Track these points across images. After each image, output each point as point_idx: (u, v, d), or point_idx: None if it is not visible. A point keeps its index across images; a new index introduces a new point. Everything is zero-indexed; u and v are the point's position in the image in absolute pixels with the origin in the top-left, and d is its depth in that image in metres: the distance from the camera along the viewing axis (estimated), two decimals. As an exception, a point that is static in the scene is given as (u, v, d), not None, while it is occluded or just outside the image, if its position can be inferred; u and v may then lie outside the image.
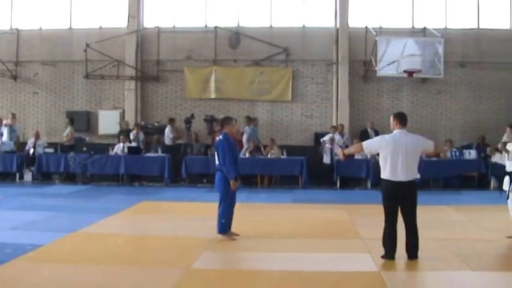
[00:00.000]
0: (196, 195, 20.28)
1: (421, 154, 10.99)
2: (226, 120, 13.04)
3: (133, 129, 24.66)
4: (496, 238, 12.67)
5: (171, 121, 25.04)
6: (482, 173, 23.15)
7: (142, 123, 26.09)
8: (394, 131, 10.52)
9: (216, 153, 12.49)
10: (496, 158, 12.79)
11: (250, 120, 24.87)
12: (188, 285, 8.80)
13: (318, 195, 20.86)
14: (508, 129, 12.57)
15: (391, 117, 10.73)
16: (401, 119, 10.60)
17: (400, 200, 10.31)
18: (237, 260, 10.35)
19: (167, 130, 24.77)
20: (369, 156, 22.93)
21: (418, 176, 10.55)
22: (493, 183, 22.96)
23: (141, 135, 24.65)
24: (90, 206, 17.16)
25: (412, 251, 10.30)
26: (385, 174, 10.31)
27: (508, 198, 12.35)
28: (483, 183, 23.21)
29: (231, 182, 11.99)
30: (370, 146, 10.63)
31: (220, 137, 12.53)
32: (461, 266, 10.10)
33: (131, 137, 24.25)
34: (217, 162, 12.35)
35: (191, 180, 23.38)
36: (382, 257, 10.32)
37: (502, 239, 12.49)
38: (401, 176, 10.16)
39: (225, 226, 12.10)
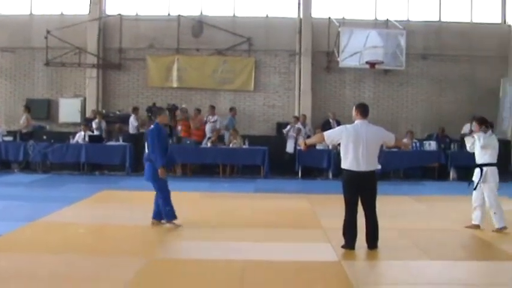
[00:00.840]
0: (157, 184, 20.22)
1: (381, 145, 11.07)
2: (159, 111, 13.36)
3: (96, 117, 24.50)
4: (456, 228, 12.86)
5: (135, 110, 24.82)
6: (442, 164, 23.41)
7: (104, 111, 25.95)
8: (356, 122, 10.60)
9: (146, 142, 12.54)
10: None
11: (213, 108, 24.86)
12: (149, 275, 8.77)
13: (279, 184, 20.93)
14: (474, 123, 12.70)
15: (353, 108, 10.80)
16: (363, 110, 10.68)
17: (360, 190, 10.41)
18: (198, 250, 10.33)
19: (132, 119, 24.55)
20: (330, 147, 23.07)
21: (379, 166, 10.65)
22: (452, 174, 23.29)
23: (103, 124, 24.49)
24: (50, 195, 17.04)
25: (372, 241, 10.42)
26: (345, 164, 10.38)
27: (475, 189, 12.51)
28: (443, 174, 23.48)
29: (159, 170, 12.05)
30: (331, 136, 10.66)
31: (152, 126, 12.56)
32: (421, 255, 10.24)
33: (94, 126, 24.10)
34: (146, 151, 12.38)
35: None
36: (343, 246, 10.41)
37: (461, 228, 12.68)
38: (361, 166, 10.25)
39: (171, 213, 12.25)
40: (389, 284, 8.94)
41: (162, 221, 12.41)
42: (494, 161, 12.53)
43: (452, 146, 24.00)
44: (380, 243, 10.42)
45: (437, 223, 13.57)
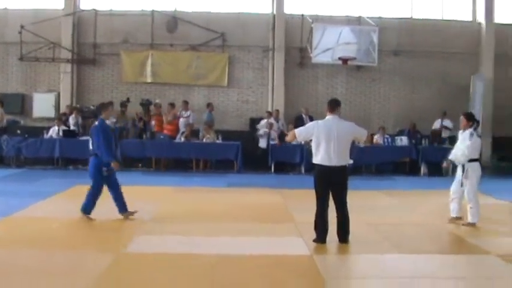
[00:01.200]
0: (131, 178, 20.06)
1: (353, 141, 11.09)
2: (104, 106, 13.29)
3: (72, 113, 24.35)
4: (426, 222, 13.01)
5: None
6: (413, 159, 23.55)
7: (78, 106, 25.82)
8: (327, 117, 10.64)
9: (90, 138, 12.60)
10: None
11: (187, 103, 24.80)
12: (121, 268, 8.75)
13: (252, 179, 20.92)
14: (462, 118, 12.83)
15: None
16: (332, 105, 10.74)
17: (331, 184, 10.43)
18: (170, 244, 10.30)
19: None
20: (303, 142, 23.11)
21: (351, 161, 10.63)
22: (423, 169, 23.45)
23: (79, 119, 24.33)
24: (24, 189, 16.93)
25: (343, 235, 10.47)
26: (317, 159, 10.40)
27: (462, 185, 12.59)
28: (414, 169, 23.62)
29: (112, 164, 12.33)
30: (302, 133, 10.64)
31: (96, 123, 12.63)
32: (391, 249, 10.30)
33: (71, 121, 23.95)
34: (90, 147, 12.43)
35: (126, 163, 23.23)
36: (314, 240, 10.44)
37: (431, 222, 12.81)
38: (332, 161, 10.28)
39: (89, 208, 12.40)
40: (359, 277, 8.98)
41: (88, 215, 12.50)
42: (477, 156, 12.61)
43: (423, 141, 24.14)
44: (351, 237, 10.46)
45: (408, 217, 13.65)
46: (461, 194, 12.60)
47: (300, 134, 10.64)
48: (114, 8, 26.84)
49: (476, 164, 12.57)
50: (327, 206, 10.48)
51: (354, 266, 9.71)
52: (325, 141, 10.26)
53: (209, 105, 25.39)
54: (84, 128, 24.57)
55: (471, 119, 12.95)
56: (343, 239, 10.46)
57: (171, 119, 24.00)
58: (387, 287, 8.35)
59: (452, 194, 12.78)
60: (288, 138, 11.21)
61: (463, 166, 12.51)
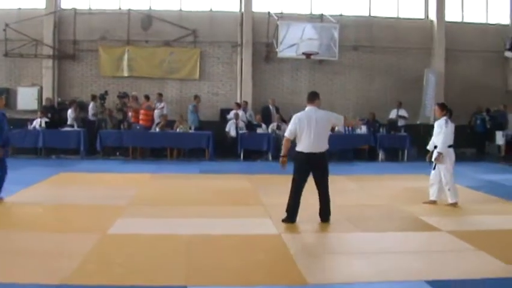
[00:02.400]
0: (110, 166, 20.14)
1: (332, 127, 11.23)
2: None
3: (72, 106, 24.21)
4: (383, 203, 13.20)
5: (94, 98, 24.66)
6: (372, 146, 23.78)
7: (59, 99, 25.76)
8: (306, 108, 10.86)
9: None
10: None
11: (161, 96, 24.88)
12: (104, 249, 8.81)
13: (223, 166, 20.98)
14: (436, 107, 13.12)
15: None
16: (312, 97, 10.96)
17: (313, 170, 10.65)
18: (149, 226, 10.37)
19: (91, 106, 24.50)
20: (270, 131, 23.32)
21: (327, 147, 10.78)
22: (381, 155, 23.73)
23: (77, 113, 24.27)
24: (9, 177, 16.80)
25: (326, 215, 10.78)
26: (299, 147, 10.59)
27: (433, 169, 12.84)
28: (373, 155, 23.86)
29: None
30: (292, 131, 10.67)
31: None
32: (351, 228, 10.50)
33: (70, 115, 23.84)
34: None
35: (105, 153, 23.22)
36: (284, 220, 10.65)
37: (388, 203, 13.05)
38: (314, 148, 10.50)
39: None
40: (325, 253, 9.13)
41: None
42: (451, 143, 12.84)
43: (381, 129, 24.36)
44: (315, 217, 10.63)
45: (367, 199, 13.87)
46: (438, 178, 12.84)
47: (290, 134, 10.70)
48: (93, 7, 26.70)
49: (451, 150, 12.85)
50: (302, 190, 10.67)
51: (320, 243, 9.88)
52: (306, 130, 10.46)
53: (196, 97, 25.40)
54: (66, 120, 24.58)
55: (444, 108, 13.19)
56: (325, 219, 10.75)
57: (151, 112, 24.03)
58: (351, 261, 8.51)
59: (431, 180, 13.10)
60: (285, 146, 10.85)
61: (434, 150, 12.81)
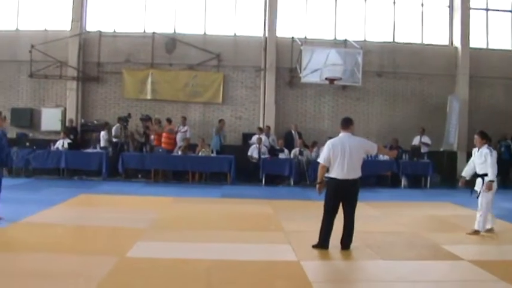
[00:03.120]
0: (131, 189, 20.21)
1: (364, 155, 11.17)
2: None
3: (105, 128, 24.43)
4: (405, 230, 13.08)
5: (106, 125, 24.74)
6: (395, 173, 23.62)
7: (83, 120, 25.96)
8: (340, 134, 10.84)
9: None
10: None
11: (185, 119, 24.99)
12: (122, 272, 8.79)
13: (244, 191, 20.95)
14: (477, 136, 13.16)
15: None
16: (345, 123, 10.93)
17: (344, 197, 10.62)
18: (168, 250, 10.36)
19: (102, 133, 24.41)
20: (292, 156, 23.30)
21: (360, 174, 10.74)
22: (403, 181, 23.56)
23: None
24: (32, 198, 16.95)
25: (347, 242, 10.67)
26: (333, 174, 10.54)
27: (478, 197, 12.77)
28: (395, 181, 23.71)
29: None
30: (326, 158, 10.60)
31: None
32: (373, 256, 10.39)
33: (103, 137, 24.08)
34: None
35: (127, 175, 23.29)
36: (315, 246, 10.60)
37: (410, 231, 12.93)
38: (346, 175, 10.47)
39: None
40: (344, 281, 9.07)
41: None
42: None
43: (403, 156, 24.20)
44: (335, 244, 10.56)
45: (389, 226, 13.76)
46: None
47: (325, 161, 10.62)
48: (118, 30, 26.94)
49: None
50: (335, 216, 10.65)
51: (339, 270, 9.77)
52: (340, 156, 10.44)
53: (220, 121, 25.46)
54: (88, 141, 24.76)
55: (485, 137, 13.17)
56: (346, 246, 10.65)
57: (174, 136, 24.10)
58: (369, 290, 8.47)
59: (479, 209, 12.92)
60: (320, 173, 10.80)
61: (482, 179, 12.72)
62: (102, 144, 24.00)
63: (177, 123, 24.93)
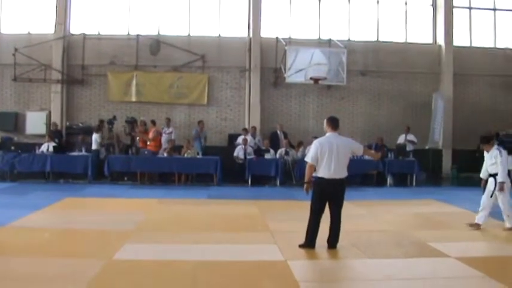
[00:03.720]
0: (118, 191, 20.14)
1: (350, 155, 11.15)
2: None
3: (98, 131, 24.25)
4: (391, 229, 13.12)
5: (98, 127, 24.42)
6: (380, 172, 23.65)
7: (68, 123, 25.91)
8: (327, 134, 10.80)
9: None
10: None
11: (169, 121, 25.00)
12: (109, 275, 8.77)
13: (231, 191, 20.92)
14: (483, 146, 13.36)
15: (325, 121, 11.02)
16: (333, 122, 10.89)
17: (330, 196, 10.63)
18: (155, 252, 10.35)
19: (95, 136, 24.10)
20: (278, 156, 23.32)
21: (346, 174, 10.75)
22: (389, 180, 23.60)
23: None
24: (17, 202, 16.86)
25: (334, 241, 10.70)
26: (320, 173, 10.54)
27: (491, 196, 12.85)
28: (381, 180, 23.75)
29: None
30: (313, 157, 10.58)
31: None
32: (359, 254, 10.40)
33: (95, 139, 23.97)
34: None
35: (113, 177, 23.22)
36: (301, 246, 10.61)
37: (396, 229, 12.98)
38: (333, 174, 10.47)
39: None
40: (331, 280, 9.09)
41: None
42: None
43: (389, 154, 24.25)
44: (323, 243, 10.58)
45: (374, 225, 13.79)
46: (490, 205, 12.90)
47: (312, 160, 10.59)
48: (102, 32, 26.93)
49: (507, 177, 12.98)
50: (322, 215, 10.65)
51: (326, 269, 9.77)
52: (327, 156, 10.44)
53: (200, 122, 25.49)
54: (73, 144, 24.69)
55: (490, 140, 13.33)
56: (333, 245, 10.66)
57: (152, 136, 24.01)
58: (356, 289, 8.50)
59: (482, 205, 13.08)
60: (308, 172, 10.77)
61: (495, 179, 12.81)
62: (94, 147, 23.91)
63: (161, 125, 24.88)
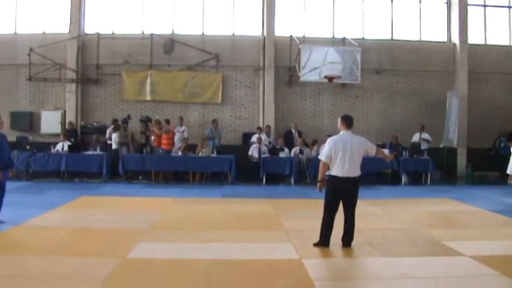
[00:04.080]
0: (132, 190, 20.22)
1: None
2: None
3: (117, 130, 24.42)
4: (406, 227, 13.10)
5: (117, 127, 24.53)
6: (395, 170, 23.60)
7: (83, 123, 26.02)
8: (341, 132, 10.82)
9: None
10: None
11: (182, 119, 25.09)
12: (123, 273, 8.81)
13: (245, 190, 20.94)
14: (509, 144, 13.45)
15: (339, 119, 11.01)
16: (348, 121, 10.88)
17: (344, 194, 10.63)
18: (170, 250, 10.38)
19: (115, 135, 24.30)
20: (292, 155, 23.31)
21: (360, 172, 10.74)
22: (404, 179, 23.54)
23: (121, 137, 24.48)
24: (33, 200, 16.96)
25: (348, 240, 10.71)
26: (334, 171, 10.55)
27: None
28: (396, 179, 23.69)
29: None
30: (327, 155, 10.59)
31: None
32: (373, 253, 10.40)
33: (114, 139, 24.14)
34: None
35: (127, 176, 23.29)
36: (316, 244, 10.65)
37: (410, 228, 12.96)
38: (347, 173, 10.48)
39: None
40: (345, 279, 9.09)
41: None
42: None
43: (403, 153, 24.20)
44: (336, 242, 10.58)
45: (389, 223, 13.77)
46: None
47: (326, 158, 10.60)
48: (116, 32, 27.00)
49: None
50: (335, 213, 10.67)
51: (340, 268, 9.76)
52: (342, 154, 10.46)
53: (214, 121, 25.61)
54: (87, 143, 24.82)
55: None
56: (347, 244, 10.68)
57: (164, 131, 24.02)
58: (371, 287, 8.48)
59: None
60: (322, 170, 10.78)
61: None
62: (114, 146, 24.05)
63: (175, 124, 24.94)
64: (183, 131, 24.71)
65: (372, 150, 11.16)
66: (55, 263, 9.31)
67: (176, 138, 24.39)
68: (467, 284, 8.51)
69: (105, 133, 24.94)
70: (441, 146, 26.11)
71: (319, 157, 11.04)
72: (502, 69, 27.58)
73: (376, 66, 27.33)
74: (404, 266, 9.54)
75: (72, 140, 24.41)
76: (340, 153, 10.44)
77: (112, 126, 24.55)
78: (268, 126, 25.67)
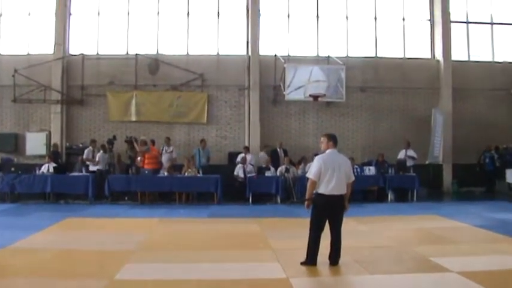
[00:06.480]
0: (118, 211, 20.12)
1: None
2: None
3: (100, 150, 24.32)
4: (392, 245, 13.08)
5: (103, 147, 24.47)
6: (381, 187, 23.61)
7: (68, 144, 25.94)
8: (328, 151, 10.81)
9: None
10: None
11: (169, 140, 24.97)
12: (111, 295, 8.79)
13: (232, 210, 20.85)
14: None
15: (323, 137, 11.04)
16: (334, 140, 10.94)
17: (331, 212, 10.59)
18: (157, 271, 10.34)
19: (104, 156, 24.19)
20: (278, 174, 23.29)
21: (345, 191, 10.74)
22: (390, 195, 23.54)
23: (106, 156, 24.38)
24: (18, 223, 16.84)
25: (335, 258, 10.65)
26: (321, 189, 10.52)
27: None
28: (382, 196, 23.68)
29: None
30: (316, 173, 10.57)
31: None
32: (360, 270, 10.36)
33: (99, 159, 24.00)
34: None
35: (113, 197, 23.18)
36: (303, 263, 10.58)
37: (397, 245, 12.91)
38: (334, 190, 10.45)
39: None
40: (332, 297, 9.07)
41: None
42: None
43: (389, 170, 24.25)
44: (323, 260, 10.56)
45: (376, 241, 13.74)
46: None
47: (315, 176, 10.58)
48: (101, 52, 27.02)
49: None
50: (322, 233, 10.62)
51: (328, 286, 9.74)
52: (330, 172, 10.46)
53: (202, 141, 25.63)
54: (72, 164, 24.71)
55: None
56: (334, 262, 10.63)
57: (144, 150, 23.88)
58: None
59: None
60: (310, 188, 10.72)
61: None
62: (101, 167, 23.94)
63: (161, 145, 24.89)
64: (172, 151, 24.64)
65: (350, 178, 11.05)
66: (42, 286, 9.26)
67: (164, 158, 24.31)
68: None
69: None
70: (427, 162, 26.21)
71: (307, 175, 11.02)
72: (485, 85, 27.80)
73: (361, 84, 27.44)
74: (392, 283, 9.54)
75: (60, 161, 24.29)
76: (328, 172, 10.44)
77: (89, 147, 24.37)
78: (265, 145, 26.13)
